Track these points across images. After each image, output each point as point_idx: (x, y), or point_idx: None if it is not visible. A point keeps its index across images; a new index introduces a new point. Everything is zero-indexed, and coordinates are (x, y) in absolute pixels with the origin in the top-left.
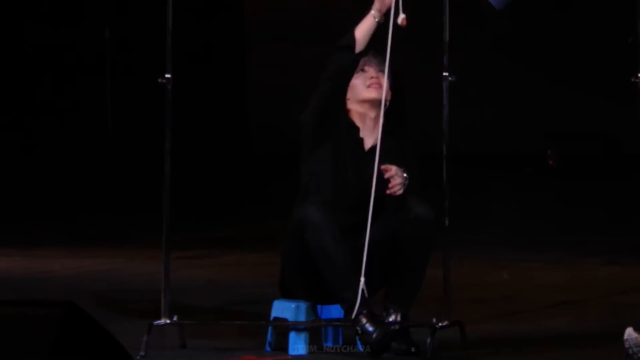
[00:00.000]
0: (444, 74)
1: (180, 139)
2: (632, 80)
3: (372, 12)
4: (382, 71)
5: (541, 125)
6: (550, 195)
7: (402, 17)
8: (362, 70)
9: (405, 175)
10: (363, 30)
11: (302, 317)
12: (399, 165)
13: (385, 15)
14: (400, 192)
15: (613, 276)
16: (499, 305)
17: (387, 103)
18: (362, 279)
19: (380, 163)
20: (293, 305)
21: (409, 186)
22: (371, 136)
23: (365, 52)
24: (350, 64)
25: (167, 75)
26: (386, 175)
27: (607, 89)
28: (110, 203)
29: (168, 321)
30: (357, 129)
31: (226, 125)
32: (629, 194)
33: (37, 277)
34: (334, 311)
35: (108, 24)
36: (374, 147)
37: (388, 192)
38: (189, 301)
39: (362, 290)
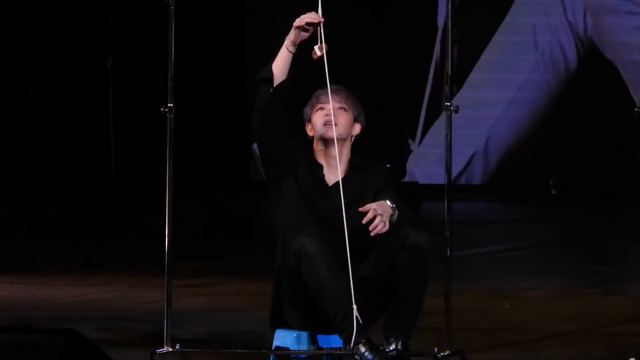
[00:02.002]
0: (446, 103)
1: (182, 167)
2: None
3: (286, 43)
4: (341, 107)
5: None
6: (553, 225)
7: (322, 46)
8: (321, 108)
9: (391, 205)
10: (279, 63)
11: (303, 346)
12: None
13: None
14: (385, 229)
15: (615, 306)
16: (500, 335)
17: (354, 137)
18: (355, 307)
19: (345, 197)
20: (295, 335)
21: (399, 216)
22: (334, 174)
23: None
24: (272, 98)
25: (170, 105)
26: (364, 220)
27: None
28: (113, 231)
29: (170, 349)
30: (319, 167)
31: (227, 153)
32: (629, 223)
33: (39, 305)
34: (333, 341)
35: (110, 53)
36: (337, 183)
37: (372, 234)
38: (191, 329)
39: (358, 318)
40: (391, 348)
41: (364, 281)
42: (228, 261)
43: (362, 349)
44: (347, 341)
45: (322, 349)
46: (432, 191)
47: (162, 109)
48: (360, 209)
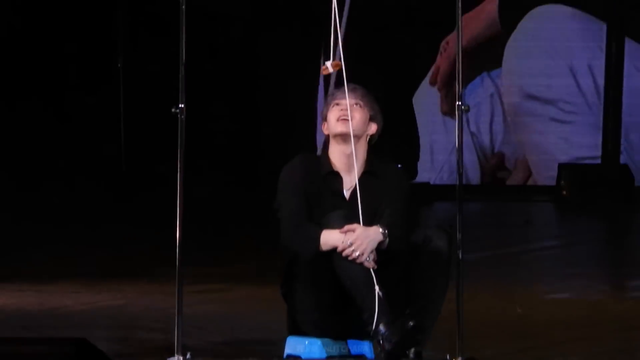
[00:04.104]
0: (457, 103)
1: (193, 170)
2: None
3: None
4: (357, 104)
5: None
6: (565, 227)
7: (334, 63)
8: (336, 104)
9: (382, 231)
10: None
11: (315, 354)
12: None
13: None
14: (362, 260)
15: (627, 311)
16: (513, 340)
17: (372, 137)
18: (377, 288)
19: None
20: (306, 342)
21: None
22: (349, 175)
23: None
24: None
25: (181, 105)
26: (345, 256)
27: None
28: (123, 237)
29: (181, 358)
30: (335, 176)
31: (239, 161)
32: None
33: (49, 313)
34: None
35: (121, 53)
36: (353, 195)
37: (351, 258)
38: (203, 337)
39: (381, 299)
40: (410, 324)
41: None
42: (240, 267)
43: (383, 329)
44: (369, 321)
45: (334, 357)
46: (444, 192)
47: (173, 110)
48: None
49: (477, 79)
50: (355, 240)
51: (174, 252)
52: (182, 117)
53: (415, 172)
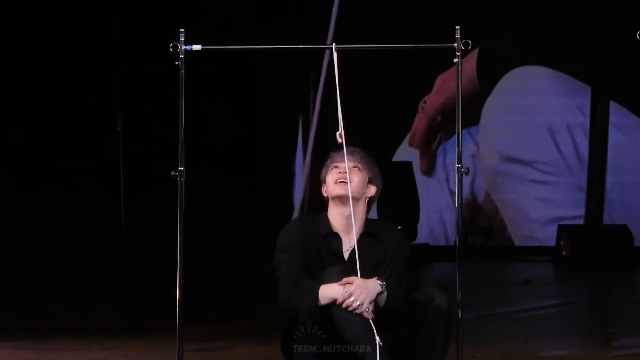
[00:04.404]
0: (457, 165)
1: (193, 228)
2: None
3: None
4: (356, 166)
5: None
6: (564, 286)
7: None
8: (335, 166)
9: (380, 283)
10: (326, 296)
11: None
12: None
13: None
14: (361, 310)
15: None
16: None
17: (371, 199)
18: (377, 338)
19: (361, 265)
20: None
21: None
22: (348, 236)
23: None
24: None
25: (180, 168)
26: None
27: None
28: (123, 295)
29: None
30: (335, 237)
31: (239, 213)
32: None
33: None
34: None
35: (121, 116)
36: (352, 255)
37: (351, 309)
38: None
39: (382, 348)
40: None
41: (386, 343)
42: (239, 324)
43: None
44: None
45: None
46: (444, 252)
47: (172, 173)
48: (345, 279)
49: (455, 137)
50: (355, 290)
51: (174, 310)
52: (182, 179)
53: (415, 234)
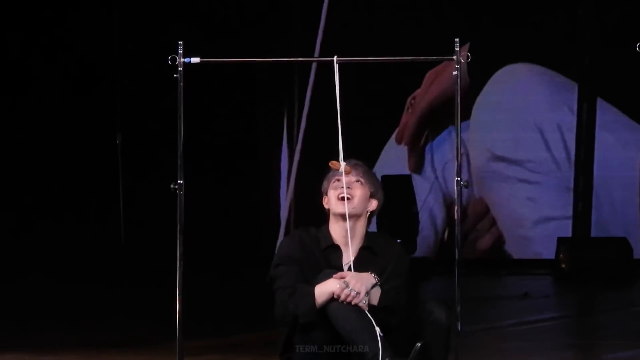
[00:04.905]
0: (457, 178)
1: (192, 241)
2: None
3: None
4: (358, 181)
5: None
6: (563, 299)
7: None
8: (337, 180)
9: (375, 276)
10: (322, 293)
11: None
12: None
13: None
14: (357, 300)
15: None
16: None
17: (372, 213)
18: (377, 329)
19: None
20: None
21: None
22: (347, 250)
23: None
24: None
25: (180, 182)
26: (339, 287)
27: None
28: (122, 308)
29: None
30: (335, 249)
31: (238, 226)
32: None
33: None
34: None
35: (119, 129)
36: (351, 267)
37: (349, 299)
38: None
39: (383, 338)
40: (418, 346)
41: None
42: (239, 338)
43: None
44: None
45: None
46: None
47: (172, 186)
48: (338, 273)
49: (445, 132)
50: (350, 280)
51: (174, 323)
52: (181, 192)
53: (414, 247)
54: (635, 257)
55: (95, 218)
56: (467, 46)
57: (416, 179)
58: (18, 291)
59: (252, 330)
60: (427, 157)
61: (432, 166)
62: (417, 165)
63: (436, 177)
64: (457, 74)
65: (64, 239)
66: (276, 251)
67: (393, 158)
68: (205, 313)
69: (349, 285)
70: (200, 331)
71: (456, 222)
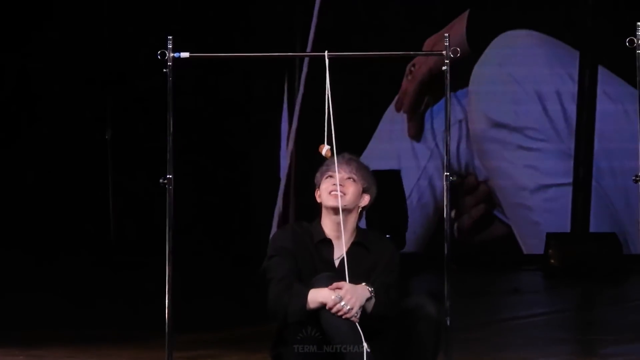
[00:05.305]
0: (446, 173)
1: (182, 238)
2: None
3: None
4: (351, 177)
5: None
6: (553, 295)
7: (326, 148)
8: (330, 176)
9: (370, 289)
10: (315, 300)
11: None
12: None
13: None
14: (349, 315)
15: None
16: None
17: (363, 207)
18: (365, 345)
19: (350, 273)
20: None
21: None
22: (339, 244)
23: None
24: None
25: (169, 176)
26: (335, 297)
27: None
28: (112, 302)
29: None
30: (327, 243)
31: (229, 224)
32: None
33: None
34: None
35: (109, 124)
36: (342, 262)
37: (341, 313)
38: None
39: (369, 354)
40: None
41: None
42: (230, 332)
43: None
44: None
45: None
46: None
47: (161, 181)
48: (334, 284)
49: (444, 100)
50: (345, 294)
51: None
52: (170, 187)
53: (403, 242)
54: (625, 252)
55: (84, 213)
56: (466, 13)
57: (416, 146)
58: (6, 287)
59: (243, 325)
60: (427, 123)
61: (432, 132)
62: (417, 131)
63: (436, 144)
64: (446, 69)
65: (53, 234)
66: (269, 243)
67: (394, 127)
68: (196, 307)
69: (343, 299)
70: (192, 325)
71: (445, 218)
